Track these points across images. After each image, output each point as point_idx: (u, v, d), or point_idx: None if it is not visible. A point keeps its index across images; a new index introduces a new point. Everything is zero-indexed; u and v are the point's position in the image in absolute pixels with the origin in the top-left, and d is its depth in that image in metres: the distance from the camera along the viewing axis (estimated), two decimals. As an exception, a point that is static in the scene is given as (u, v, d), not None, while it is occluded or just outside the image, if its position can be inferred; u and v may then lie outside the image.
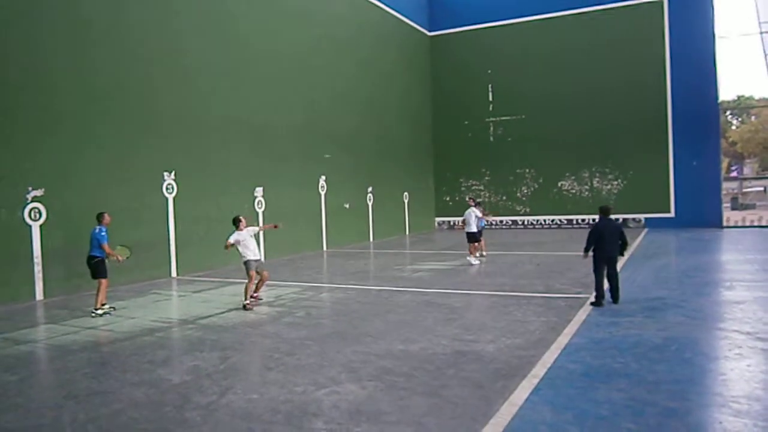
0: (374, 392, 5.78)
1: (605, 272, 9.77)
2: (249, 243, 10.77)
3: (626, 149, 28.13)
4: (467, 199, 17.82)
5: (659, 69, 27.41)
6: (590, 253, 9.90)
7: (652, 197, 27.61)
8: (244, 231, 10.81)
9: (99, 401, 5.81)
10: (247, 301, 10.56)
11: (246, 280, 10.75)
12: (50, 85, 12.68)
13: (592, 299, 9.84)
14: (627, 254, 16.49)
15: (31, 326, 9.84)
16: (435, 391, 5.77)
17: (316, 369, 6.64)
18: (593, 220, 10.24)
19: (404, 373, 6.36)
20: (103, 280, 10.56)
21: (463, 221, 16.63)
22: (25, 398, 6.07)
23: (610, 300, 9.79)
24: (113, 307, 10.84)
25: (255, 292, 11.01)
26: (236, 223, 10.88)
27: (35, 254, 12.25)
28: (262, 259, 10.85)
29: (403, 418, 5.10)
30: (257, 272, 10.81)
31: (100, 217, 10.70)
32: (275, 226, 11.91)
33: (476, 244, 16.40)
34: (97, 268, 10.56)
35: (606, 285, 9.84)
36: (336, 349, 7.51)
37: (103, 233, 10.50)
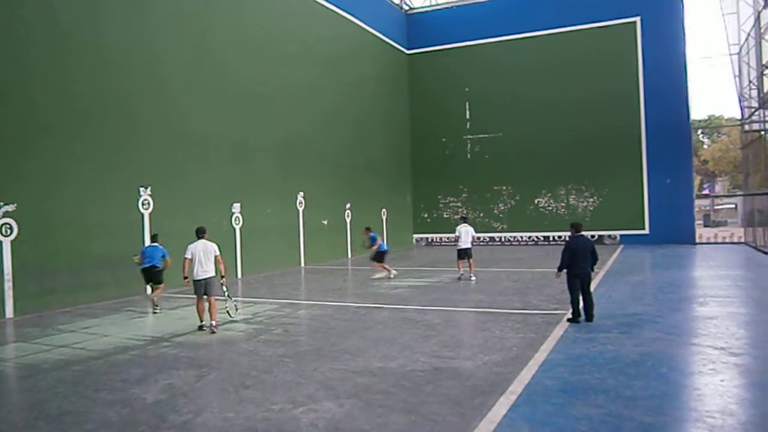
0: (352, 410, 5.74)
1: (580, 290, 9.80)
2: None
3: (601, 167, 28.56)
4: (460, 217, 18.12)
5: (633, 89, 27.97)
6: (564, 271, 9.93)
7: (627, 214, 28.01)
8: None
9: (70, 421, 5.68)
10: (213, 322, 9.98)
11: (220, 300, 10.61)
12: (26, 98, 12.52)
13: (569, 315, 9.90)
14: (602, 271, 16.77)
15: None
16: (413, 408, 5.75)
17: (293, 386, 6.57)
18: (569, 236, 10.28)
19: (382, 391, 6.32)
20: (162, 285, 12.60)
21: (457, 237, 16.40)
22: (-6, 419, 5.91)
23: (585, 317, 9.81)
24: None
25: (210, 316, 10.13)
26: (203, 233, 10.31)
27: (5, 270, 11.99)
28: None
29: (382, 435, 5.07)
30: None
31: (156, 238, 12.94)
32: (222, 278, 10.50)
33: (468, 260, 16.19)
34: (161, 275, 12.53)
35: (581, 303, 9.89)
36: (314, 366, 7.45)
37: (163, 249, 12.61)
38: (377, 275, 17.05)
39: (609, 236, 28.34)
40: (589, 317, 9.76)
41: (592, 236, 27.72)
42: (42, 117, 12.83)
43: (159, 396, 6.40)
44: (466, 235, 16.30)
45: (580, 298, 9.82)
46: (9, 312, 12.01)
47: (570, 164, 29.15)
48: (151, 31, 15.70)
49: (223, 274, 10.35)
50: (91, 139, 13.89)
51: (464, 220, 17.23)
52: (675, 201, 27.04)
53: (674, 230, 26.95)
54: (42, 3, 12.98)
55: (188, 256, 10.00)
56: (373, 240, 17.16)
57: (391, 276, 17.01)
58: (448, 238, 31.37)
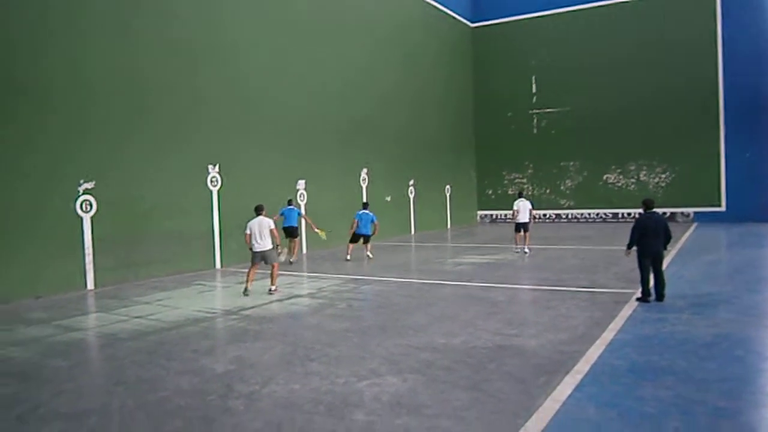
0: (415, 385, 5.78)
1: (650, 268, 9.49)
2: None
3: (675, 141, 27.37)
4: (517, 193, 18.20)
5: (711, 58, 26.56)
6: (634, 249, 9.64)
7: (701, 190, 26.82)
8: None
9: (147, 388, 5.96)
10: (272, 287, 11.43)
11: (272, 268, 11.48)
12: (103, 79, 13.01)
13: (638, 295, 9.62)
14: (674, 249, 16.17)
15: (82, 314, 10.16)
16: (476, 384, 5.74)
17: (357, 361, 6.67)
18: (639, 213, 9.93)
19: (445, 367, 6.33)
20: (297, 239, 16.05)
21: (516, 211, 16.99)
22: (77, 383, 6.27)
23: (656, 297, 9.49)
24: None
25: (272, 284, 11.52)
26: (261, 210, 11.40)
27: (86, 245, 12.62)
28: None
29: (444, 411, 5.09)
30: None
31: (291, 201, 16.31)
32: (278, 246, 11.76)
33: (524, 234, 16.80)
34: (296, 230, 15.92)
35: (652, 282, 9.58)
36: (377, 341, 7.53)
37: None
38: (347, 256, 16.43)
39: (682, 213, 27.24)
40: (660, 297, 9.44)
41: (665, 213, 26.71)
42: (118, 99, 13.31)
43: (228, 366, 6.62)
44: (524, 209, 16.92)
45: (651, 277, 9.50)
46: (90, 284, 12.67)
47: (641, 139, 28.06)
48: (218, 9, 15.97)
49: (277, 243, 11.47)
50: (163, 119, 14.34)
51: (521, 195, 17.76)
52: (755, 175, 25.66)
53: (753, 207, 25.57)
54: (115, -14, 13.41)
55: (247, 231, 11.24)
56: (357, 218, 16.59)
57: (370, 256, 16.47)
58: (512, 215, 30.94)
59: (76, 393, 5.93)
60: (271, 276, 11.42)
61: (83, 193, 12.57)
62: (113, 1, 13.33)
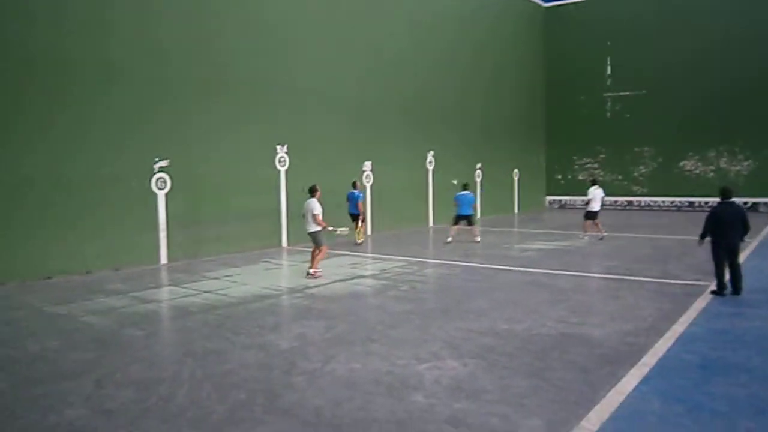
0: (475, 370, 5.76)
1: (726, 261, 9.02)
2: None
3: (758, 126, 25.86)
4: (591, 180, 17.80)
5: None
6: (707, 240, 9.19)
7: (787, 180, 25.31)
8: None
9: (214, 360, 6.18)
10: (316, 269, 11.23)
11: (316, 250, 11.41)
12: (180, 61, 13.42)
13: (713, 287, 9.20)
14: (755, 241, 15.39)
15: (155, 287, 10.61)
16: (538, 372, 5.66)
17: (418, 343, 6.69)
18: (716, 202, 9.47)
19: (507, 353, 6.28)
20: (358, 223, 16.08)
21: (591, 199, 16.76)
22: (150, 352, 6.57)
23: (732, 290, 9.05)
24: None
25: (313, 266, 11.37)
26: (314, 192, 11.42)
27: (160, 221, 13.14)
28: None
29: (504, 397, 5.05)
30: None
31: (355, 184, 16.28)
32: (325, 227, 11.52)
33: (596, 221, 16.68)
34: (356, 216, 16.05)
35: (727, 275, 9.12)
36: (439, 324, 7.53)
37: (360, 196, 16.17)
38: (448, 239, 16.43)
39: (765, 204, 25.82)
40: (737, 290, 9.00)
41: (746, 203, 25.38)
42: (192, 82, 13.71)
43: (292, 343, 6.78)
44: (597, 197, 16.73)
45: (726, 269, 9.05)
46: (163, 258, 13.19)
47: (722, 124, 26.66)
48: (289, -7, 16.15)
49: (323, 226, 11.21)
50: (234, 100, 14.67)
51: (594, 183, 17.41)
52: None
53: None
54: (191, -31, 13.75)
55: (303, 211, 11.37)
56: (456, 199, 16.71)
57: (477, 240, 16.53)
58: (582, 201, 30.15)
59: (149, 361, 6.21)
60: (313, 258, 11.33)
61: (158, 171, 13.06)
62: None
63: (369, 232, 18.96)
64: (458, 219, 16.44)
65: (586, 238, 16.66)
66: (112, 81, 12.24)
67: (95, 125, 11.99)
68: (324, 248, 11.34)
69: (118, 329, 7.56)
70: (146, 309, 8.77)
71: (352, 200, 16.02)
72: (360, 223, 16.17)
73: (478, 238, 16.56)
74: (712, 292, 9.11)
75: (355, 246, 15.61)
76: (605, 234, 16.70)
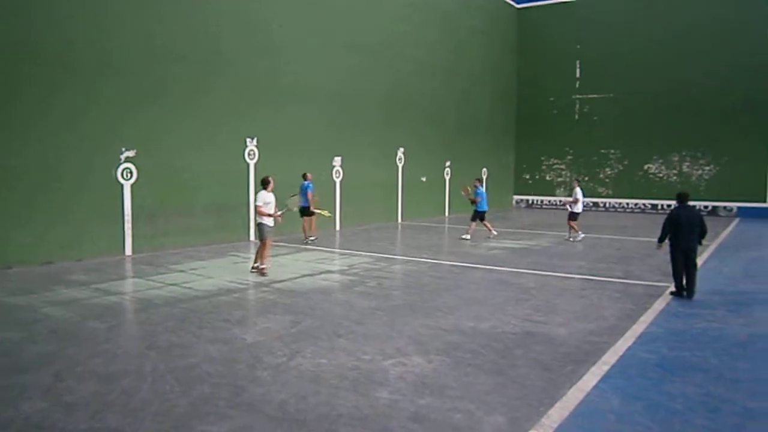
0: (440, 366, 5.81)
1: (683, 263, 9.17)
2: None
3: (721, 133, 26.56)
4: (576, 180, 18.07)
5: (762, 45, 25.57)
6: (666, 243, 9.38)
7: (746, 185, 26.04)
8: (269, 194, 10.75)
9: (177, 353, 6.12)
10: (264, 265, 10.74)
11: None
12: (150, 55, 13.18)
13: (672, 289, 9.42)
14: (714, 244, 15.80)
15: (119, 279, 10.44)
16: (501, 369, 5.74)
17: (384, 339, 6.72)
18: (674, 206, 9.68)
19: (471, 350, 6.35)
20: (308, 218, 15.13)
21: (575, 200, 16.92)
22: (113, 345, 6.46)
23: (686, 293, 9.20)
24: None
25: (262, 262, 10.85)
26: (266, 184, 10.79)
27: (126, 212, 12.92)
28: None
29: (468, 394, 5.11)
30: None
31: (306, 176, 15.32)
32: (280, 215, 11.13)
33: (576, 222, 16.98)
34: (307, 210, 14.94)
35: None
36: (405, 321, 7.57)
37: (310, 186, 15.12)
38: (466, 235, 16.83)
39: (724, 208, 26.51)
40: (690, 293, 9.15)
41: (706, 207, 26.14)
42: (161, 72, 13.49)
43: (257, 338, 6.75)
44: (582, 198, 17.17)
45: (684, 272, 9.22)
46: (128, 249, 12.98)
47: (686, 129, 27.31)
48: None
49: (267, 214, 10.65)
50: (204, 91, 14.50)
51: (578, 183, 18.02)
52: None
53: (800, 205, 24.81)
54: (162, -43, 13.53)
55: (268, 202, 10.70)
56: (479, 195, 16.88)
57: (491, 236, 17.03)
58: (549, 201, 30.61)
59: (112, 354, 6.12)
60: (258, 252, 10.89)
61: (125, 161, 12.84)
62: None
63: (338, 227, 18.93)
64: (479, 215, 16.91)
65: (573, 238, 16.88)
66: (75, 71, 11.97)
67: (58, 114, 11.71)
68: (267, 242, 10.75)
69: (80, 321, 7.43)
70: (109, 301, 8.63)
71: (303, 192, 14.99)
72: (312, 217, 15.20)
73: (495, 232, 17.33)
74: (672, 293, 9.32)
75: (303, 244, 15.10)
76: (572, 239, 16.95)
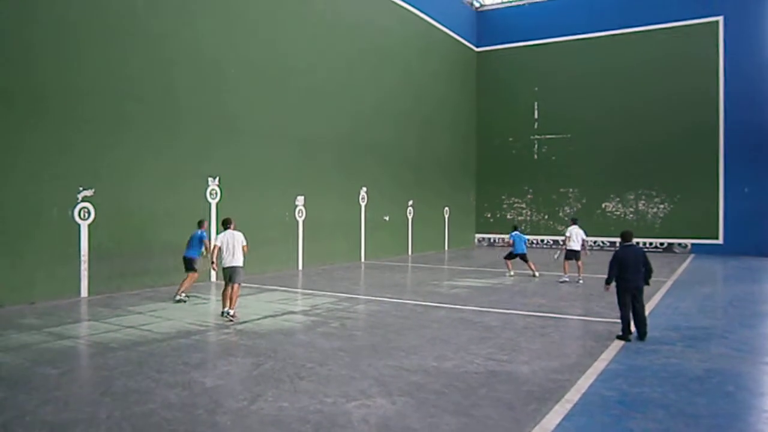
0: (404, 408, 5.75)
1: (631, 305, 8.98)
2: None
3: (674, 172, 27.46)
4: (571, 219, 18.04)
5: (712, 91, 26.76)
6: (613, 284, 9.16)
7: (699, 222, 26.84)
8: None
9: (134, 400, 5.92)
10: (231, 310, 10.37)
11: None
12: (111, 92, 13.08)
13: (619, 332, 9.04)
14: (670, 281, 16.16)
15: (74, 322, 10.11)
16: (465, 410, 5.71)
17: (347, 381, 6.64)
18: (637, 243, 9.77)
19: (435, 390, 6.31)
20: (193, 274, 12.41)
21: (568, 238, 16.67)
22: (65, 392, 6.23)
23: (636, 336, 8.96)
24: (188, 297, 12.56)
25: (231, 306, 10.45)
26: (229, 224, 10.68)
27: (83, 252, 12.60)
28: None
29: (432, 435, 5.06)
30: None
31: (201, 223, 12.85)
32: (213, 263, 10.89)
33: (576, 262, 16.42)
34: (192, 264, 12.39)
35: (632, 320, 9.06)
36: (368, 361, 7.50)
37: (204, 235, 12.66)
38: (565, 277, 16.52)
39: (679, 245, 27.23)
40: (641, 335, 8.91)
41: (662, 244, 26.87)
42: (122, 109, 13.38)
43: (217, 381, 6.59)
44: (576, 236, 16.52)
45: (631, 314, 9.00)
46: (84, 291, 12.62)
47: (641, 168, 28.17)
48: (217, 29, 16.09)
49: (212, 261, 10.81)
50: (165, 131, 14.41)
51: (575, 222, 17.35)
52: (754, 210, 25.65)
53: (751, 241, 25.57)
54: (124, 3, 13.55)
55: (217, 243, 10.54)
56: (512, 238, 17.72)
57: (536, 275, 17.33)
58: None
59: (64, 402, 5.90)
60: (231, 298, 10.39)
61: (82, 201, 12.59)
62: (128, 7, 13.45)
63: (300, 267, 18.79)
64: (512, 256, 17.43)
65: (567, 279, 16.42)
66: (34, 109, 11.79)
67: (14, 152, 11.47)
68: (239, 285, 10.54)
69: (31, 367, 7.15)
70: (62, 345, 8.35)
71: (195, 241, 12.54)
72: (193, 274, 12.51)
73: (537, 273, 17.37)
74: (618, 337, 8.95)
75: (178, 302, 12.24)
76: (581, 281, 16.20)
